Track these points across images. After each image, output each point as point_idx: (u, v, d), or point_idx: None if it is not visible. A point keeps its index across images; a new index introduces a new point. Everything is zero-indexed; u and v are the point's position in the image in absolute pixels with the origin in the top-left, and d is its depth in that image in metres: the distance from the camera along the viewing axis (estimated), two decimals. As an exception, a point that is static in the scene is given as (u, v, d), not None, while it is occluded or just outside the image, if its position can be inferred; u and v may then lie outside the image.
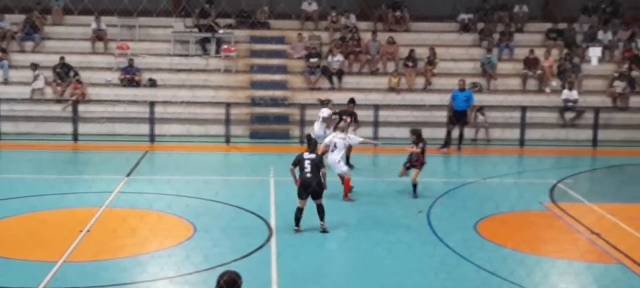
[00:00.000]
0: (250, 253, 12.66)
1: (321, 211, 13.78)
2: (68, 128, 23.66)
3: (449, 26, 28.13)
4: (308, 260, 12.43)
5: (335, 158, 16.18)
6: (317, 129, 19.48)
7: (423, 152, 16.71)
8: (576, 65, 26.36)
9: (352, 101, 20.04)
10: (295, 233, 13.57)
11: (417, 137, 16.83)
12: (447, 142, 22.93)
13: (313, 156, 13.90)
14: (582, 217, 15.76)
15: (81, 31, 27.76)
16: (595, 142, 24.06)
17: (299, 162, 13.92)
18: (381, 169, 19.82)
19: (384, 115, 24.21)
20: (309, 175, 13.65)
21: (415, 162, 16.81)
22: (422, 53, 26.74)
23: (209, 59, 27.02)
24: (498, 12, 28.66)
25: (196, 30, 27.56)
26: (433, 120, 24.33)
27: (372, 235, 13.88)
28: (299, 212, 13.78)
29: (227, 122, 23.59)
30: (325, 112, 19.94)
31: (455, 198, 17.13)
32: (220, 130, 23.78)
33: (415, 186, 16.62)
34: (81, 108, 24.31)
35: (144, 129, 23.58)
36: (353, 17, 28.21)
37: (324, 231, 13.77)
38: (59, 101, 24.88)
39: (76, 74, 25.42)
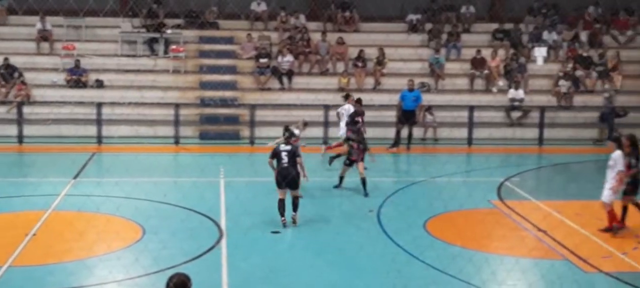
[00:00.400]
0: (200, 255, 12.58)
1: (296, 203, 14.24)
2: (12, 130, 23.19)
3: (397, 26, 28.34)
4: (258, 260, 12.39)
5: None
6: (342, 127, 19.83)
7: (358, 146, 16.86)
8: (522, 65, 26.79)
9: (358, 101, 20.40)
10: (245, 232, 13.49)
11: (360, 138, 17.20)
12: (396, 142, 23.09)
13: (288, 147, 14.44)
14: (529, 214, 16.03)
15: (26, 31, 27.25)
16: (540, 140, 24.49)
17: (276, 154, 14.38)
18: (331, 169, 19.86)
19: (333, 114, 24.25)
20: (285, 165, 14.17)
21: (354, 158, 16.95)
22: (371, 53, 26.88)
23: (157, 59, 26.76)
24: (445, 12, 28.97)
25: (144, 30, 27.27)
26: (382, 120, 24.48)
27: (322, 235, 13.92)
28: (281, 202, 14.17)
29: (176, 122, 23.40)
30: (347, 107, 20.12)
31: (404, 197, 17.26)
32: (169, 131, 23.57)
33: (363, 181, 16.74)
34: (26, 109, 23.86)
35: (91, 130, 23.24)
36: (302, 17, 28.22)
37: (294, 221, 14.21)
38: (2, 102, 24.39)
39: (20, 75, 24.94)
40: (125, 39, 27.14)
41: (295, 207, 14.33)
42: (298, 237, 13.88)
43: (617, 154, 13.99)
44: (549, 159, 22.34)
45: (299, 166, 14.42)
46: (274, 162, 14.47)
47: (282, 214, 14.17)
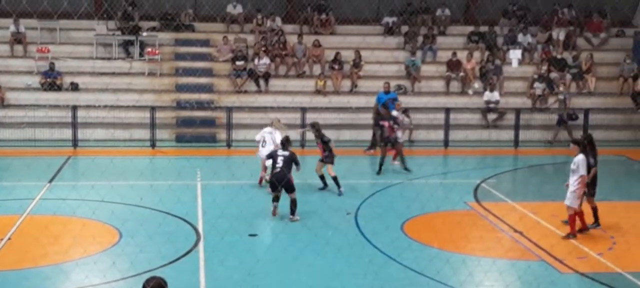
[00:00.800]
0: (178, 259, 12.52)
1: (293, 205, 14.87)
2: (-14, 133, 22.97)
3: (373, 29, 28.41)
4: (236, 264, 12.36)
5: None
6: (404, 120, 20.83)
7: (326, 145, 17.24)
8: (497, 67, 26.96)
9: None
10: (222, 236, 13.45)
11: (317, 131, 17.54)
12: (373, 144, 23.17)
13: (286, 153, 15.13)
14: (505, 215, 16.13)
15: (-2, 34, 26.99)
16: (516, 142, 24.67)
17: (272, 157, 15.25)
18: (308, 171, 19.86)
19: (310, 117, 24.22)
20: (278, 170, 14.86)
21: (325, 157, 17.13)
22: (348, 55, 26.93)
23: (132, 61, 26.61)
24: (421, 15, 29.09)
25: (119, 32, 27.10)
26: (359, 122, 24.55)
27: (299, 237, 13.91)
28: (275, 198, 15.05)
29: (152, 125, 23.27)
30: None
31: (382, 199, 17.31)
32: (145, 134, 23.44)
33: (335, 179, 17.00)
34: (-1, 113, 23.64)
35: (66, 133, 23.06)
36: (278, 20, 28.20)
37: (293, 221, 14.83)
38: (-24, 106, 24.13)
39: (-6, 78, 24.70)
40: (100, 41, 26.95)
41: (292, 209, 14.89)
42: (276, 240, 13.86)
43: (580, 158, 13.99)
44: (524, 161, 22.49)
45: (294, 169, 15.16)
46: (269, 163, 15.25)
47: (274, 201, 14.93)
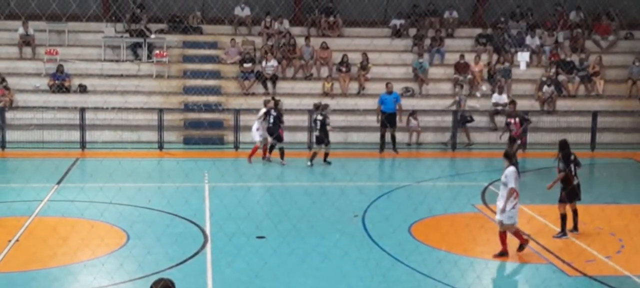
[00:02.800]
0: (185, 260, 12.53)
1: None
2: (-5, 135, 23.05)
3: (381, 31, 28.40)
4: (243, 266, 12.36)
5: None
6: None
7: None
8: (506, 70, 26.91)
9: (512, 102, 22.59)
10: (230, 238, 13.46)
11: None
12: (382, 146, 23.23)
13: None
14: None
15: (8, 36, 27.07)
16: (524, 144, 24.59)
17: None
18: (315, 173, 19.90)
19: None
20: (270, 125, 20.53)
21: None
22: (355, 58, 26.92)
23: (140, 64, 26.67)
24: (428, 17, 29.06)
25: (127, 35, 27.17)
26: (366, 125, 24.54)
27: (307, 240, 13.90)
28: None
29: (160, 127, 23.31)
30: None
31: (389, 201, 17.29)
32: (152, 136, 23.49)
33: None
34: (8, 115, 23.69)
35: (74, 135, 23.12)
36: (286, 22, 28.22)
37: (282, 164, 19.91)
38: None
39: (3, 80, 24.77)
40: (108, 43, 27.02)
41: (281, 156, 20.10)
42: (283, 243, 13.84)
43: (510, 170, 13.25)
44: (532, 163, 22.41)
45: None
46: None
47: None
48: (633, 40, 28.91)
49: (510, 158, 13.72)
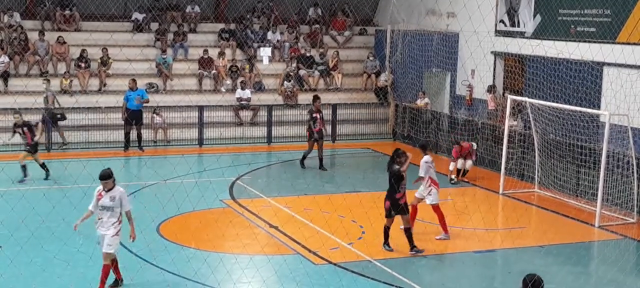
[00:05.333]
0: None
1: None
2: None
3: (121, 25, 27.47)
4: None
5: None
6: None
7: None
8: (249, 65, 27.23)
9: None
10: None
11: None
12: (126, 144, 22.60)
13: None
14: (261, 211, 16.35)
15: None
16: (269, 138, 25.12)
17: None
18: (54, 176, 18.85)
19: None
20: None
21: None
22: (95, 53, 25.84)
23: None
24: (170, 11, 28.62)
25: None
26: (110, 122, 23.69)
27: (48, 247, 13.08)
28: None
29: None
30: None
31: (135, 201, 16.74)
32: None
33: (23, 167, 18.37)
34: None
35: None
36: (17, 15, 26.41)
37: None
38: None
39: None
40: None
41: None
42: (21, 252, 12.87)
43: (422, 160, 14.65)
44: (277, 156, 22.93)
45: None
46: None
47: None
48: (367, 35, 30.54)
49: (424, 148, 15.17)
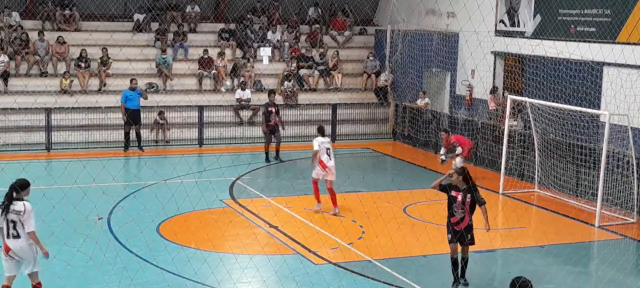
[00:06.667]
0: None
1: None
2: None
3: (121, 25, 27.47)
4: (-25, 281, 11.31)
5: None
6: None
7: None
8: (249, 65, 27.21)
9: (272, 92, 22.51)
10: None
11: None
12: (126, 144, 22.60)
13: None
14: (261, 211, 16.34)
15: None
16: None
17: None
18: (53, 176, 18.82)
19: (56, 118, 23.08)
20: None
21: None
22: (94, 53, 25.84)
23: None
24: (170, 11, 28.61)
25: None
26: (109, 122, 23.69)
27: (47, 247, 13.03)
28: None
29: None
30: None
31: (135, 201, 16.80)
32: None
33: None
34: None
35: None
36: (16, 15, 26.40)
37: None
38: None
39: None
40: None
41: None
42: (20, 251, 12.86)
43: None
44: (281, 156, 22.84)
45: None
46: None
47: None
48: (367, 35, 30.54)
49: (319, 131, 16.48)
